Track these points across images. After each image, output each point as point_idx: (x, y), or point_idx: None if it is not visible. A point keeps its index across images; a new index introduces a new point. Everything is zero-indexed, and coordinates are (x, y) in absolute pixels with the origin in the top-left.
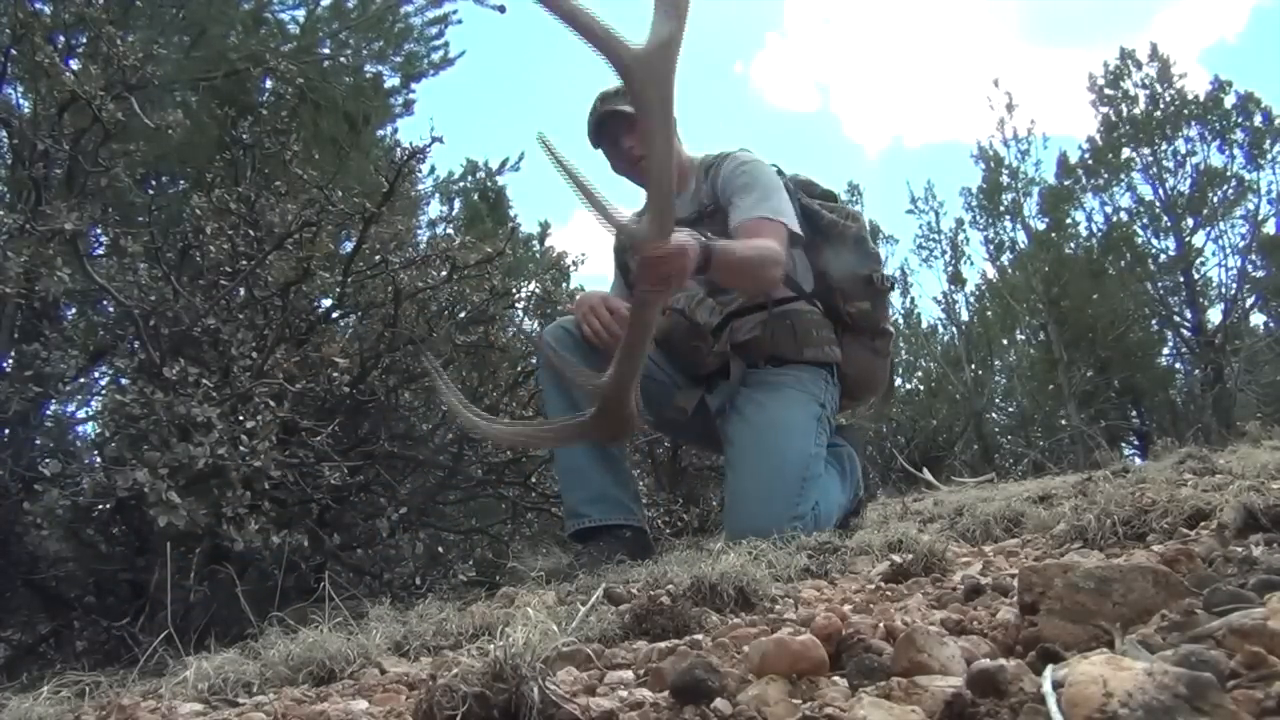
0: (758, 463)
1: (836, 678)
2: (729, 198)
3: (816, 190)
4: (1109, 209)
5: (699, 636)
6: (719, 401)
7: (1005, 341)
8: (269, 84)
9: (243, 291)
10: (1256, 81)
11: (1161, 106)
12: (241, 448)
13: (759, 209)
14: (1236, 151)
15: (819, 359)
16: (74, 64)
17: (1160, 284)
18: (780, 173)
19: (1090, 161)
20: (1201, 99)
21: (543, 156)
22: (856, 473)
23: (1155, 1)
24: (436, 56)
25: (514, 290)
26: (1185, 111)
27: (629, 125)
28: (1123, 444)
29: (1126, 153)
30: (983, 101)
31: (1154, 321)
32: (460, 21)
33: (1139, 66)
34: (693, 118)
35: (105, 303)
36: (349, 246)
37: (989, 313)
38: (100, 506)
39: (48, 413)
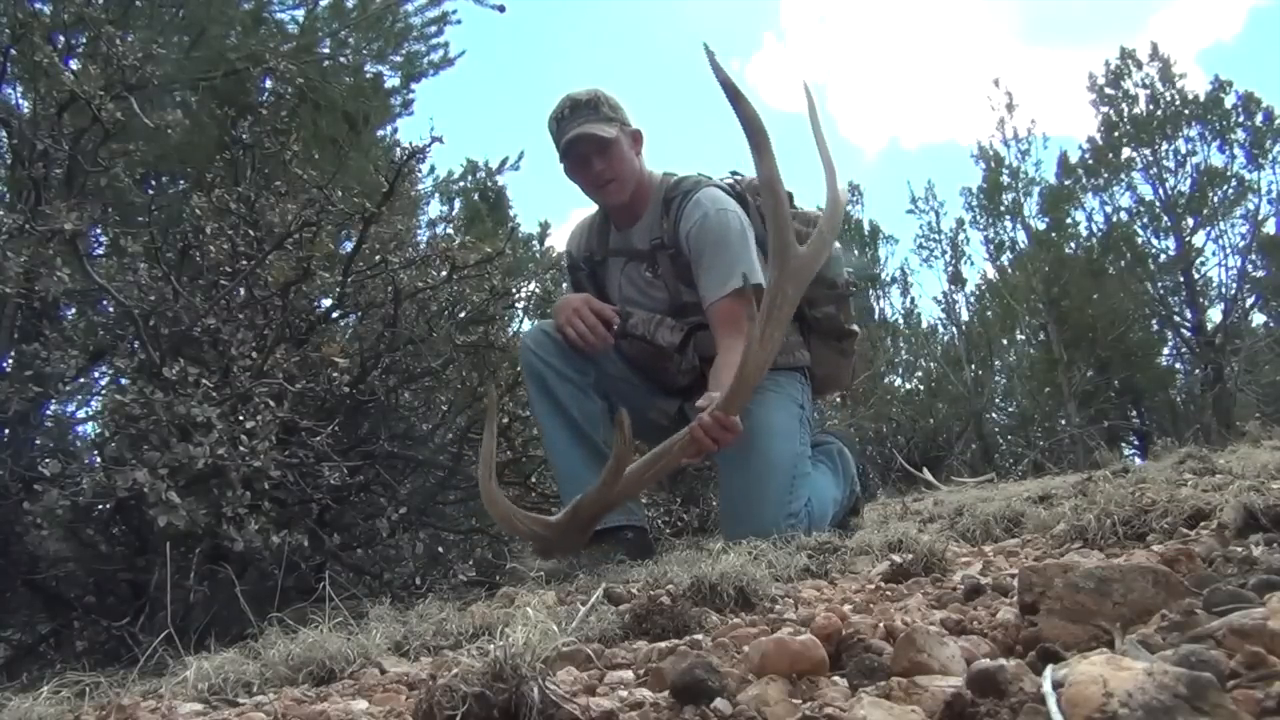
0: (748, 466)
1: (836, 678)
2: (697, 256)
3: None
4: (1109, 209)
5: (699, 636)
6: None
7: (1005, 341)
8: (269, 84)
9: (243, 291)
10: (1254, 82)
11: (1162, 106)
12: (241, 448)
13: (731, 280)
14: (1237, 151)
15: (789, 364)
16: (73, 64)
17: (1160, 284)
18: (738, 175)
19: (1090, 161)
20: (1202, 99)
21: (539, 155)
22: (850, 468)
23: (1152, 3)
24: (436, 56)
25: (514, 290)
26: (1185, 111)
27: (600, 148)
28: (1123, 444)
29: (1127, 152)
30: (980, 102)
31: (1154, 321)
32: (460, 21)
33: (1139, 66)
34: (691, 118)
35: (105, 303)
36: (349, 246)
37: (989, 313)
38: (100, 506)
39: (48, 413)
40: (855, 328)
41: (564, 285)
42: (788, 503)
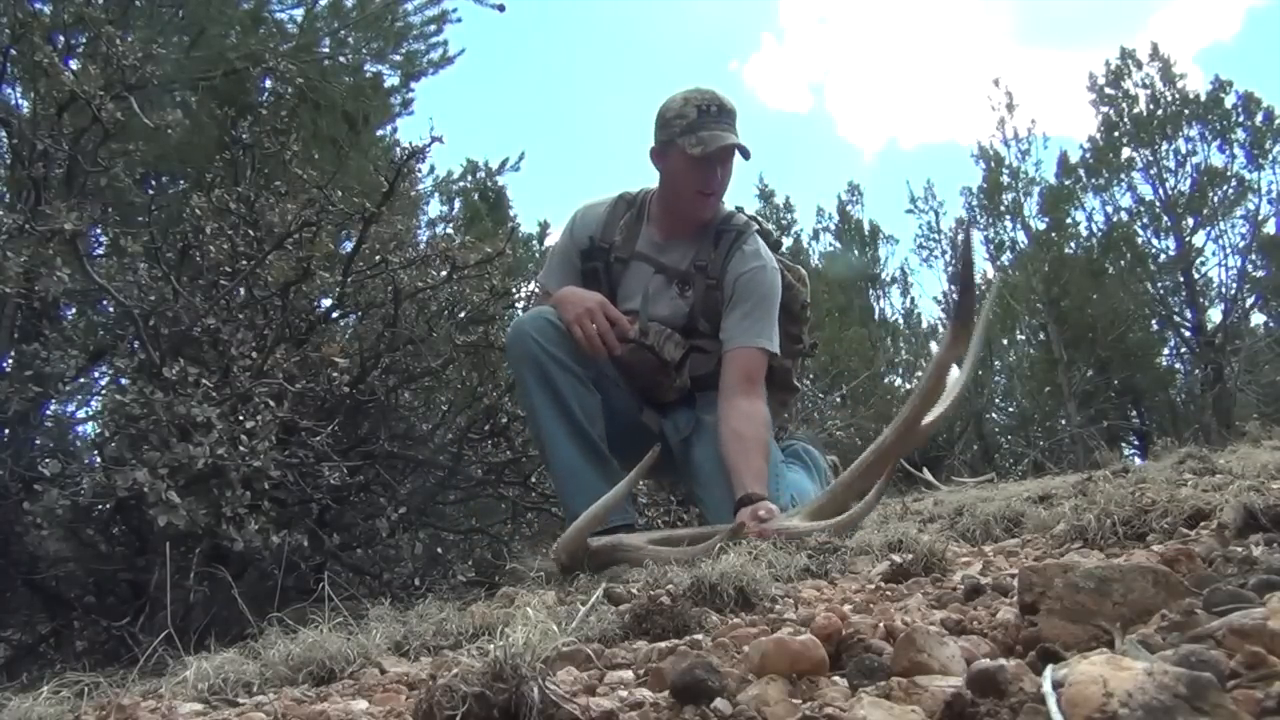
0: None
1: (836, 678)
2: (740, 300)
3: (772, 239)
4: (1109, 209)
5: (699, 636)
6: (684, 427)
7: (1005, 341)
8: (269, 84)
9: (243, 291)
10: (1253, 82)
11: (1162, 106)
12: (241, 448)
13: (760, 337)
14: (1237, 151)
15: None
16: (73, 64)
17: (1160, 284)
18: (743, 212)
19: (1091, 161)
20: (1202, 99)
21: (539, 155)
22: (820, 462)
23: (1150, 4)
24: (436, 55)
25: (514, 290)
26: (1186, 111)
27: (726, 160)
28: (1123, 444)
29: (1127, 152)
30: (979, 103)
31: (1154, 321)
32: (459, 20)
33: (1139, 66)
34: None
35: (105, 303)
36: (349, 246)
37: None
38: (100, 506)
39: (48, 413)
40: (799, 384)
41: (556, 261)
42: (776, 498)
